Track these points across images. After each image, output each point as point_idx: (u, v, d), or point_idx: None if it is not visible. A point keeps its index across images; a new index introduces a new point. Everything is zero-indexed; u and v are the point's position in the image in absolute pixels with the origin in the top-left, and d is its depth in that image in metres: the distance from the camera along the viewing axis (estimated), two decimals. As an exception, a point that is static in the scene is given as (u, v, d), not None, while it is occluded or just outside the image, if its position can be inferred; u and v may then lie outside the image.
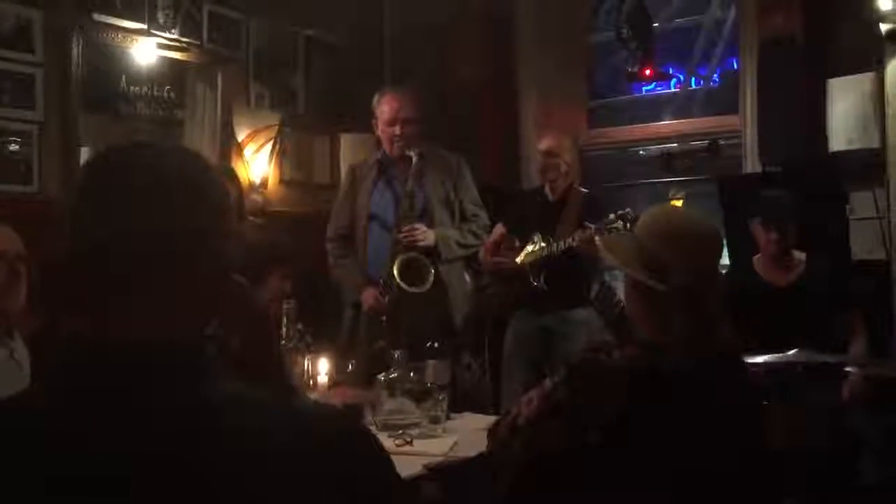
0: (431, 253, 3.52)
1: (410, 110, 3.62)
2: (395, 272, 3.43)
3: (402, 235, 3.48)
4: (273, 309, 2.46)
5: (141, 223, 0.87)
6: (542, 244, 3.91)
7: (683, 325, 1.80)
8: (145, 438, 0.82)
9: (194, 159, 0.95)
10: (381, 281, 3.50)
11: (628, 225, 3.45)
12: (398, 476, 0.96)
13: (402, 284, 3.43)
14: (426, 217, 3.57)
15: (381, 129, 3.67)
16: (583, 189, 4.14)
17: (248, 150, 4.83)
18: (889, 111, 3.73)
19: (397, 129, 3.59)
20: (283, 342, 2.32)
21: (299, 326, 2.70)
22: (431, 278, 3.46)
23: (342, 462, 0.88)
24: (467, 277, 4.51)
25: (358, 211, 3.69)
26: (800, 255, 3.60)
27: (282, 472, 0.84)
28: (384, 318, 3.47)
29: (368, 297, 3.55)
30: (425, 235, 3.49)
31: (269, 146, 4.85)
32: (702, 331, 1.84)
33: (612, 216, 3.64)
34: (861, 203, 3.97)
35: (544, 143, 4.11)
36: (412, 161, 3.54)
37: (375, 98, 3.68)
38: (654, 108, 6.56)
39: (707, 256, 1.85)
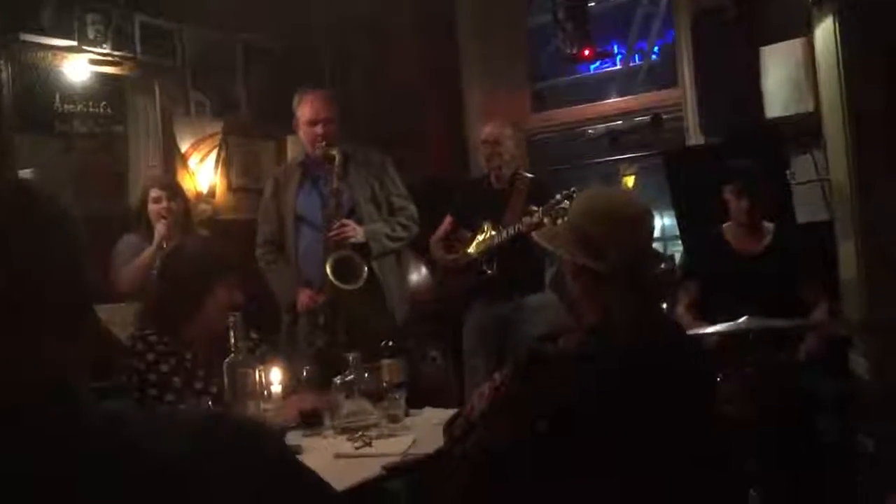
0: (363, 249, 3.51)
1: (330, 110, 3.60)
2: (329, 271, 3.41)
3: (332, 234, 3.47)
4: (223, 320, 2.43)
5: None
6: (492, 232, 3.93)
7: (626, 306, 1.82)
8: (26, 472, 0.81)
9: (39, 194, 0.95)
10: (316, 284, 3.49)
11: (574, 204, 3.47)
12: (310, 475, 0.97)
13: (337, 282, 3.42)
14: (354, 214, 3.56)
15: (302, 131, 3.65)
16: (528, 174, 4.17)
17: (193, 160, 4.77)
18: (820, 75, 3.78)
19: (319, 129, 3.57)
20: (233, 355, 2.29)
21: (254, 335, 2.66)
22: (365, 275, 3.46)
23: (240, 466, 0.88)
24: (424, 271, 4.51)
25: (285, 214, 3.66)
26: (768, 224, 3.65)
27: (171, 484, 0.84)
28: (321, 317, 3.46)
29: (303, 297, 3.54)
30: (355, 232, 3.49)
31: (213, 154, 4.80)
32: (643, 309, 1.86)
33: (558, 197, 3.67)
34: (801, 167, 4.04)
35: (485, 132, 4.12)
36: (335, 160, 3.52)
37: (295, 100, 3.66)
38: (601, 87, 6.60)
39: (640, 234, 1.87)
